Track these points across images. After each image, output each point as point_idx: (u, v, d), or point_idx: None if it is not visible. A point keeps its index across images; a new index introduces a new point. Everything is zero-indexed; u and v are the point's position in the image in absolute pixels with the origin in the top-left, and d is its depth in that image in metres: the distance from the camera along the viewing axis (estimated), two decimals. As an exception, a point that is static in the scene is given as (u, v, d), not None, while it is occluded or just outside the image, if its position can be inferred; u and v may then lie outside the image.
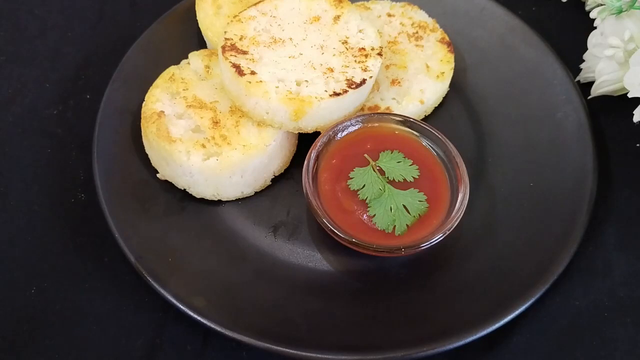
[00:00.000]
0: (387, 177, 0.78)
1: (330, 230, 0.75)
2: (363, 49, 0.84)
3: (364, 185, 0.78)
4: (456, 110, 0.94)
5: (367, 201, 0.77)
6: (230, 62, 0.80)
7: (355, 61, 0.83)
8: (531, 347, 0.74)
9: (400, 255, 0.76)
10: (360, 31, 0.86)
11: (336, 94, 0.79)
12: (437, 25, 0.97)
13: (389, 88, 0.89)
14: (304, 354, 0.68)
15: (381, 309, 0.74)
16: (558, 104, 0.90)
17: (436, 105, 0.93)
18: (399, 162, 0.79)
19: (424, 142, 0.83)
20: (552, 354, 0.73)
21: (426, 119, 0.92)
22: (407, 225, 0.76)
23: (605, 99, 0.93)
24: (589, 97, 0.92)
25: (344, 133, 0.83)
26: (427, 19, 0.97)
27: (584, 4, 1.06)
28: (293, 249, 0.80)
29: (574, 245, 0.76)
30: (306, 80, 0.80)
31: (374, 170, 0.78)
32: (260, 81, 0.79)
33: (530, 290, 0.72)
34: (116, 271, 0.79)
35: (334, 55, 0.83)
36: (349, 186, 0.78)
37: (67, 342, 0.74)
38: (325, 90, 0.79)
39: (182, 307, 0.71)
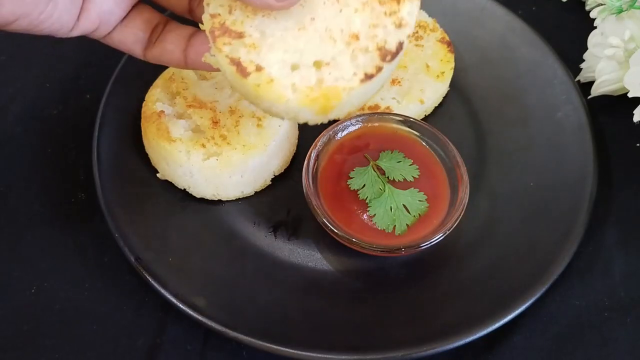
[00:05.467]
0: (387, 177, 0.78)
1: (330, 230, 0.75)
2: None
3: (364, 185, 0.78)
4: (456, 110, 0.94)
5: (367, 201, 0.77)
6: (227, 56, 0.59)
7: (385, 13, 0.59)
8: (531, 347, 0.74)
9: (400, 255, 0.76)
10: None
11: (368, 77, 0.58)
12: (437, 25, 0.96)
13: (389, 88, 0.89)
14: (304, 353, 0.68)
15: (381, 309, 0.74)
16: (558, 104, 0.90)
17: (436, 105, 0.93)
18: (399, 161, 0.79)
19: (424, 142, 0.83)
20: (552, 354, 0.73)
21: (426, 119, 0.92)
22: (407, 225, 0.76)
23: (605, 99, 0.93)
24: (589, 97, 0.92)
25: (344, 133, 0.83)
26: (427, 19, 0.97)
27: (584, 4, 1.06)
28: (293, 249, 0.80)
29: (574, 245, 0.76)
30: (327, 64, 0.59)
31: (374, 170, 0.79)
32: (271, 80, 0.59)
33: (530, 290, 0.72)
34: (116, 271, 0.79)
35: (356, 10, 0.60)
36: (349, 186, 0.78)
37: (67, 342, 0.74)
38: (355, 73, 0.59)
39: (182, 307, 0.71)
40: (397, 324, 0.72)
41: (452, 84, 0.94)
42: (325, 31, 0.60)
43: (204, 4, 0.61)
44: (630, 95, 0.83)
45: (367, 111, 0.87)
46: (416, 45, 0.94)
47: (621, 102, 0.89)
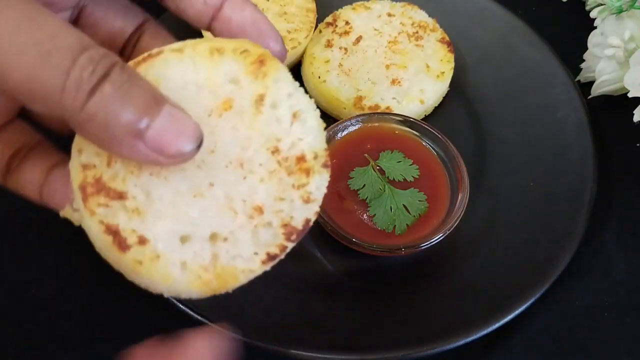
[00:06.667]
0: (387, 177, 0.78)
1: (331, 230, 0.75)
2: (302, 157, 0.51)
3: (364, 185, 0.78)
4: (456, 110, 0.94)
5: (367, 201, 0.77)
6: (102, 222, 0.48)
7: (293, 186, 0.51)
8: (531, 347, 0.74)
9: (400, 255, 0.76)
10: (294, 116, 0.51)
11: (271, 258, 0.52)
12: (437, 25, 0.97)
13: (389, 88, 0.89)
14: (304, 353, 0.68)
15: (381, 309, 0.74)
16: (558, 104, 0.90)
17: (436, 105, 0.93)
18: (399, 161, 0.79)
19: (424, 142, 0.83)
20: (552, 354, 0.73)
21: (426, 118, 0.92)
22: (407, 225, 0.76)
23: (605, 98, 0.93)
24: (589, 97, 0.92)
25: (344, 133, 0.83)
26: (427, 19, 0.97)
27: (584, 4, 1.06)
28: (293, 249, 0.80)
29: (574, 245, 0.76)
30: (225, 239, 0.49)
31: (374, 170, 0.79)
32: (157, 256, 0.48)
33: (530, 290, 0.72)
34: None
35: (261, 180, 0.51)
36: (349, 186, 0.78)
37: (67, 342, 0.74)
38: (256, 253, 0.51)
39: (182, 307, 0.71)
40: (397, 324, 0.72)
41: (452, 84, 0.94)
42: (225, 200, 0.50)
43: (74, 149, 0.48)
44: (630, 95, 0.83)
45: (367, 111, 0.87)
46: (416, 45, 0.94)
47: (621, 102, 0.89)
